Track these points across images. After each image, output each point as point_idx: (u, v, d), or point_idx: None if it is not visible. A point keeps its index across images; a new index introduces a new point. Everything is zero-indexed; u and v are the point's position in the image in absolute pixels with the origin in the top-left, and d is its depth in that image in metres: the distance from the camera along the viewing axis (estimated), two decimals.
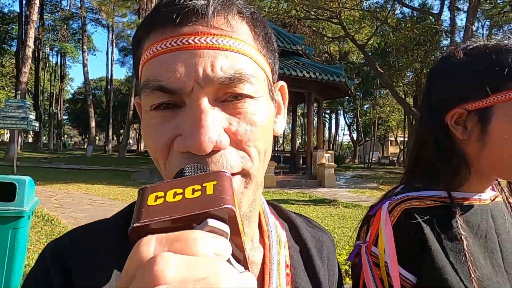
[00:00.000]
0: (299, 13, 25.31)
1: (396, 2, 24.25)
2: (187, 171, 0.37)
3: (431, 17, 24.10)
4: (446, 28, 24.12)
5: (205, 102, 0.42)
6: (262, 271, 0.52)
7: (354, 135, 45.45)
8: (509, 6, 20.34)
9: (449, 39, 23.39)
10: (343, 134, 67.06)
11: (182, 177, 0.34)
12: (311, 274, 0.56)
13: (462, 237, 0.67)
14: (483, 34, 24.72)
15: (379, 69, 23.62)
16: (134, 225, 0.29)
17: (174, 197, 0.30)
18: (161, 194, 0.30)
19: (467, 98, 0.70)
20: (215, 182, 0.31)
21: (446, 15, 24.15)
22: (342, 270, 0.79)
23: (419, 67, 23.99)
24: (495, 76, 0.67)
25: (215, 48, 0.42)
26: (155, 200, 0.30)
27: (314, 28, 27.14)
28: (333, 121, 49.64)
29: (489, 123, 0.68)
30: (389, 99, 35.08)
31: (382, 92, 32.26)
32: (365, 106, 40.08)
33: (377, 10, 24.72)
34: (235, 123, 0.43)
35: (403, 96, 27.17)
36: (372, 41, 26.89)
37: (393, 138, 51.87)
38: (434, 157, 0.74)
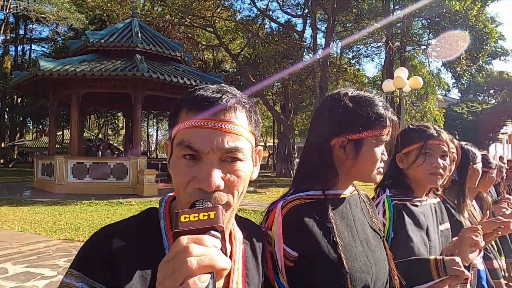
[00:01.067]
0: (174, 18, 25.08)
1: (265, 18, 26.04)
2: (198, 205, 0.64)
3: (295, 34, 26.58)
4: (308, 44, 26.94)
5: (214, 161, 0.70)
6: (230, 257, 0.81)
7: None
8: (357, 29, 23.82)
9: (311, 54, 26.20)
10: None
11: (195, 207, 0.63)
12: (254, 258, 0.88)
13: (332, 219, 1.00)
14: (336, 52, 28.31)
15: (252, 78, 25.00)
16: (175, 230, 0.56)
17: (194, 218, 0.57)
18: (187, 216, 0.57)
19: (349, 131, 1.05)
20: (214, 212, 0.58)
21: (308, 33, 26.84)
22: None
23: (287, 78, 26.08)
24: (366, 119, 1.05)
25: (226, 131, 0.71)
26: (184, 219, 0.57)
27: (190, 35, 27.14)
28: None
29: (360, 150, 1.05)
30: (259, 106, 37.31)
31: (253, 100, 34.16)
32: None
33: (249, 22, 26.11)
34: (228, 175, 0.71)
35: (272, 104, 29.15)
36: (244, 51, 28.21)
37: (262, 144, 55.22)
38: (317, 168, 1.07)
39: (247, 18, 27.17)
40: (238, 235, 0.85)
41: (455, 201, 1.92)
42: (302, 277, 0.96)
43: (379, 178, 1.12)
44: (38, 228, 7.16)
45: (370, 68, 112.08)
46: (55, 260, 5.04)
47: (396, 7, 21.91)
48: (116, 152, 29.08)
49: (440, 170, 1.44)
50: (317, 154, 1.08)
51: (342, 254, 0.96)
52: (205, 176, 0.68)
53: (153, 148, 49.41)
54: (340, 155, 1.06)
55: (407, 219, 1.37)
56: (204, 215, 0.57)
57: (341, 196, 1.08)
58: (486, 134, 38.85)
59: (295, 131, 31.64)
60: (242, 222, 0.90)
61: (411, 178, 1.47)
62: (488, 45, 20.55)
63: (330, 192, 1.05)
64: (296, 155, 28.97)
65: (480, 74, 28.12)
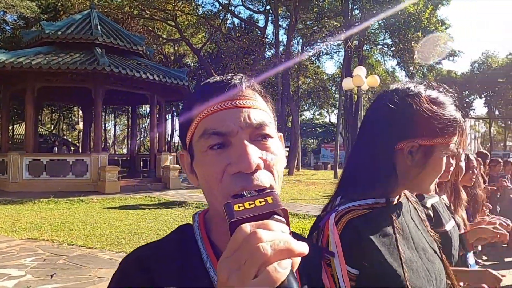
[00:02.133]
0: (133, 10, 24.42)
1: (227, 13, 26.02)
2: (245, 194, 0.56)
3: (258, 30, 26.78)
4: (270, 40, 27.24)
5: (246, 139, 0.62)
6: None
7: None
8: (317, 28, 24.41)
9: (273, 50, 26.54)
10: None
11: (241, 197, 0.54)
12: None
13: (396, 233, 0.90)
14: (297, 49, 28.82)
15: (214, 73, 24.96)
16: (232, 220, 0.47)
17: (249, 205, 0.49)
18: (240, 205, 0.49)
19: (422, 135, 0.92)
20: (271, 196, 0.50)
21: (270, 29, 27.12)
22: None
23: (250, 74, 26.20)
24: (443, 124, 0.92)
25: (249, 107, 0.65)
26: (239, 208, 0.48)
27: (150, 28, 26.55)
28: (169, 123, 49.40)
29: (430, 158, 0.93)
30: None
31: None
32: None
33: (211, 17, 25.96)
34: (264, 154, 0.63)
35: None
36: (206, 46, 28.04)
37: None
38: (375, 174, 0.94)
39: (209, 12, 27.01)
40: None
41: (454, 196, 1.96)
42: None
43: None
44: None
45: (330, 65, 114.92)
46: (21, 260, 4.91)
47: (355, 7, 22.70)
48: (73, 148, 27.99)
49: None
50: (378, 158, 0.95)
51: (405, 273, 0.86)
52: (241, 156, 0.60)
53: (110, 144, 47.84)
54: (407, 162, 0.93)
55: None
56: (260, 201, 0.50)
57: (395, 203, 0.98)
58: None
59: None
60: None
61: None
62: (439, 46, 21.85)
63: (384, 201, 0.95)
64: None
65: (431, 73, 29.74)
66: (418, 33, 19.34)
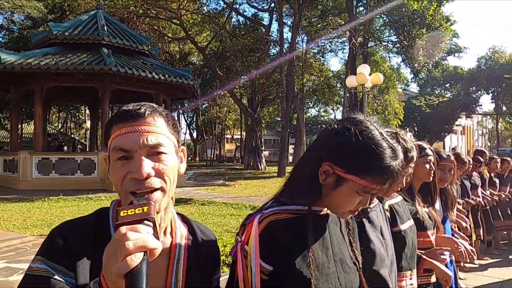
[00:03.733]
0: (139, 9, 24.62)
1: (232, 11, 26.12)
2: (135, 202, 0.75)
3: (262, 28, 26.87)
4: (274, 38, 27.31)
5: (143, 155, 0.85)
6: (170, 249, 0.95)
7: (194, 134, 46.60)
8: (322, 25, 24.44)
9: (277, 48, 26.60)
10: (184, 133, 67.48)
11: (132, 204, 0.73)
12: (197, 255, 0.99)
13: (309, 239, 1.00)
14: (302, 46, 28.85)
15: (219, 71, 25.09)
16: (116, 223, 0.69)
17: (131, 212, 0.69)
18: (125, 211, 0.70)
19: (341, 164, 0.99)
20: (147, 207, 0.71)
21: (274, 27, 27.17)
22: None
23: (255, 72, 26.33)
24: (364, 166, 0.97)
25: (148, 132, 0.87)
26: (123, 214, 0.69)
27: (155, 27, 26.73)
28: None
29: (339, 187, 0.99)
30: (226, 99, 37.28)
31: (220, 93, 34.17)
32: (204, 106, 41.57)
33: (216, 15, 26.08)
34: (157, 165, 0.86)
35: (239, 97, 29.38)
36: (211, 44, 28.16)
37: (229, 136, 55.26)
38: (304, 183, 1.04)
39: (214, 11, 27.15)
40: (180, 231, 0.99)
41: (410, 196, 2.07)
42: None
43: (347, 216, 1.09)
44: (9, 225, 7.10)
45: (335, 63, 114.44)
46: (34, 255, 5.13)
47: (359, 4, 22.70)
48: (80, 147, 28.33)
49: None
50: (306, 171, 1.06)
51: (312, 274, 0.97)
52: (137, 167, 0.83)
53: None
54: (320, 180, 1.01)
55: (366, 223, 1.44)
56: (139, 210, 0.72)
57: (321, 213, 1.07)
58: (442, 126, 41.08)
59: (263, 124, 32.03)
60: (199, 227, 1.06)
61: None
62: (444, 42, 21.80)
63: (314, 208, 1.04)
64: (263, 148, 29.47)
65: (437, 69, 29.66)
66: (422, 30, 19.32)
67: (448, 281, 1.85)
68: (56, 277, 0.81)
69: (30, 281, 0.83)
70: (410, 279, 1.75)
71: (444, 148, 43.83)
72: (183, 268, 0.93)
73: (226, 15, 26.91)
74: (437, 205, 2.36)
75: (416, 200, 2.07)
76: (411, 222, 1.83)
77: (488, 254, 6.05)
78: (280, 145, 23.84)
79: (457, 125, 47.76)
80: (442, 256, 1.90)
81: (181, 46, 33.13)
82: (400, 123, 30.97)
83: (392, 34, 23.29)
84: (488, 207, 5.98)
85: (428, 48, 20.49)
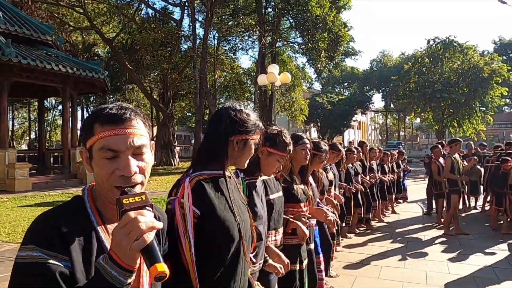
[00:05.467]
0: None
1: (141, 3, 25.30)
2: (128, 191, 0.92)
3: (173, 22, 26.50)
4: (186, 33, 27.20)
5: (130, 155, 0.98)
6: None
7: None
8: (233, 23, 25.08)
9: (190, 43, 26.57)
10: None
11: (127, 194, 0.89)
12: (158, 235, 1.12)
13: (227, 188, 1.47)
14: (214, 43, 29.22)
15: (128, 65, 24.18)
16: (123, 209, 0.84)
17: (132, 200, 0.85)
18: (126, 199, 0.85)
19: (241, 133, 1.52)
20: (144, 195, 0.87)
21: (186, 22, 27.00)
22: None
23: (166, 67, 25.93)
24: (253, 128, 1.57)
25: (134, 134, 1.00)
26: (126, 201, 0.84)
27: (55, 14, 24.68)
28: (79, 115, 46.05)
29: (246, 146, 1.54)
30: (135, 94, 35.92)
31: (129, 87, 32.85)
32: (111, 100, 39.47)
33: (124, 6, 25.00)
34: (140, 163, 1.00)
35: (150, 92, 28.60)
36: (119, 36, 26.97)
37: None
38: (215, 155, 1.50)
39: (122, 1, 25.96)
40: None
41: (289, 176, 2.63)
42: (205, 229, 1.38)
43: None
44: None
45: (245, 60, 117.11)
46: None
47: (268, 5, 23.87)
48: None
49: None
50: (217, 145, 1.50)
51: (235, 211, 1.42)
52: (125, 166, 0.96)
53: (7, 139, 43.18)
54: (235, 149, 1.51)
55: (253, 192, 1.97)
56: (138, 198, 0.85)
57: (227, 175, 1.53)
58: (342, 121, 44.90)
59: (174, 120, 31.68)
60: (156, 209, 1.16)
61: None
62: (342, 46, 24.11)
63: (221, 172, 1.50)
64: (176, 143, 29.19)
65: (336, 70, 32.46)
66: (324, 34, 21.16)
67: (304, 238, 2.40)
68: (52, 261, 0.87)
69: (26, 269, 0.87)
70: (275, 236, 2.23)
71: (343, 141, 48.10)
72: None
73: (135, 6, 26.00)
74: (314, 184, 2.97)
75: (294, 179, 2.62)
76: (279, 194, 2.31)
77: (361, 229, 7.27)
78: (194, 140, 23.93)
79: (354, 121, 52.45)
80: (304, 219, 2.48)
81: (84, 36, 30.98)
82: (305, 119, 33.28)
83: (298, 36, 24.97)
84: (368, 190, 7.19)
85: (329, 50, 22.48)
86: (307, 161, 2.71)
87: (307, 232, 2.41)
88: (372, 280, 4.70)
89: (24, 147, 42.83)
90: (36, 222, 0.95)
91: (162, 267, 0.79)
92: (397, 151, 10.40)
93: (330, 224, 2.86)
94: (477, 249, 5.96)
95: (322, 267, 3.43)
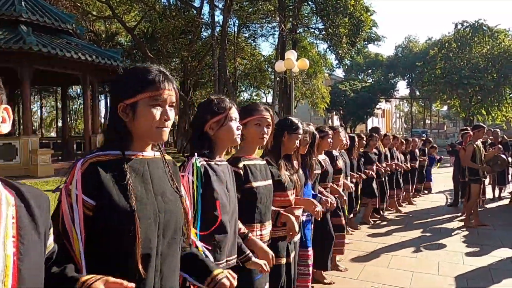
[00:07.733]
0: None
1: None
2: None
3: (193, 10, 26.46)
4: (206, 21, 27.10)
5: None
6: None
7: None
8: (253, 10, 24.81)
9: (209, 31, 26.49)
10: None
11: None
12: (32, 220, 0.92)
13: (127, 174, 1.17)
14: (234, 30, 29.02)
15: (149, 53, 24.39)
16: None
17: None
18: None
19: (125, 97, 1.22)
20: None
21: (206, 9, 26.94)
22: None
23: (186, 55, 26.02)
24: (137, 84, 1.23)
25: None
26: None
27: (78, 3, 25.09)
28: (102, 104, 47.24)
29: (136, 110, 1.21)
30: None
31: None
32: None
33: None
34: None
35: None
36: (141, 25, 27.21)
37: None
38: (112, 132, 1.24)
39: None
40: (8, 200, 0.88)
41: (276, 162, 2.42)
42: (100, 222, 1.13)
43: (165, 137, 1.26)
44: None
45: (266, 47, 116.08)
46: None
47: None
48: None
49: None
50: (112, 119, 1.26)
51: (132, 201, 1.13)
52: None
53: (36, 127, 44.79)
54: (125, 119, 1.21)
55: (213, 176, 1.67)
56: None
57: (139, 157, 1.26)
58: (365, 109, 44.04)
59: (195, 107, 31.87)
60: (22, 188, 0.94)
61: (218, 143, 1.79)
62: (363, 31, 23.43)
63: (127, 152, 1.22)
64: None
65: (359, 56, 31.71)
66: (345, 18, 20.60)
67: (292, 235, 2.26)
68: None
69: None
70: (260, 230, 2.02)
71: (366, 130, 47.24)
72: (15, 238, 0.84)
73: None
74: (301, 171, 2.77)
75: (280, 165, 2.42)
76: (267, 182, 2.10)
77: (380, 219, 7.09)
78: None
79: (377, 109, 51.43)
80: (296, 212, 2.33)
81: (107, 26, 31.45)
82: (327, 106, 32.79)
83: (319, 22, 24.44)
84: (382, 179, 6.98)
85: (350, 36, 21.93)
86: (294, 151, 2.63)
87: (297, 228, 2.29)
88: (380, 269, 4.58)
89: (53, 134, 44.16)
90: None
91: None
92: (421, 139, 10.12)
93: (317, 216, 2.70)
94: (496, 240, 5.71)
95: (310, 261, 3.18)
